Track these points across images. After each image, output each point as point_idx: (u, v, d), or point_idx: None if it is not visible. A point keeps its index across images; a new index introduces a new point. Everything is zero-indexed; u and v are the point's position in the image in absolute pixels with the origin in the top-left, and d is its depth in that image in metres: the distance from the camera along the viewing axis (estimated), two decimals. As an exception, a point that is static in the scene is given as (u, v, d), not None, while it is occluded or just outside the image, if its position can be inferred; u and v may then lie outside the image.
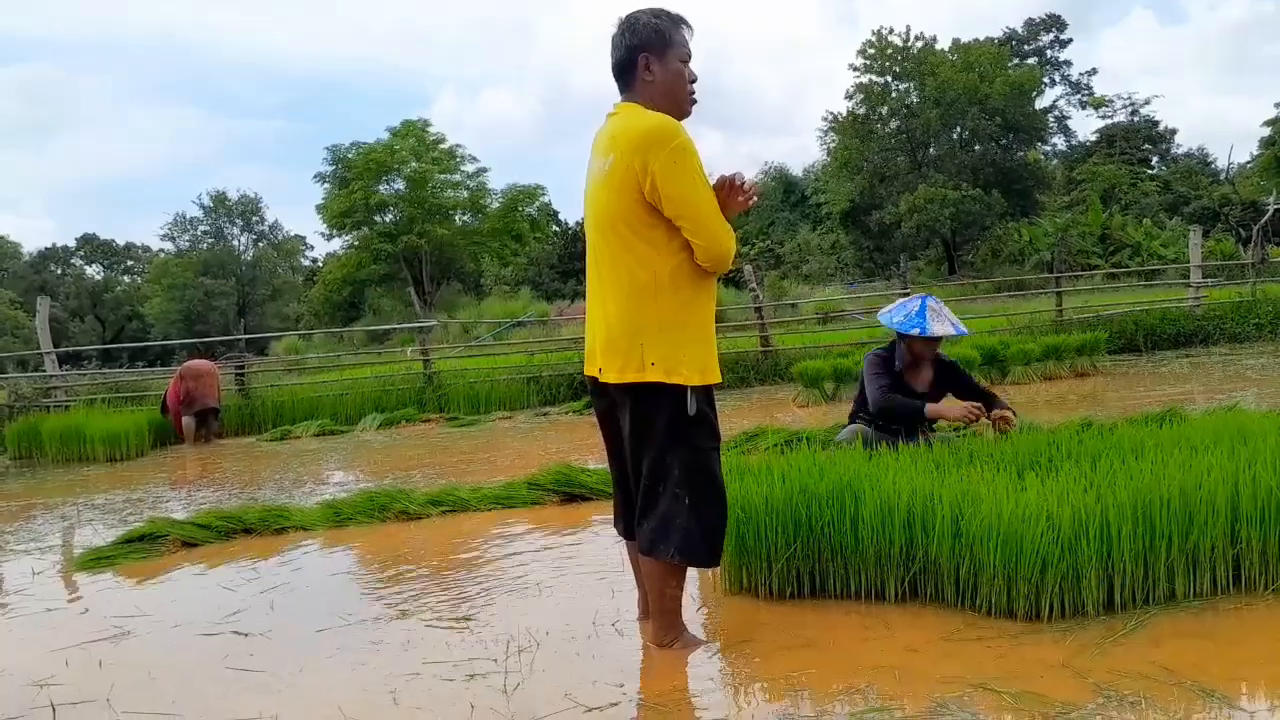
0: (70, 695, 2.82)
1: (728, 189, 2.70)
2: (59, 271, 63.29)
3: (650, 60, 2.69)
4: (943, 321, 4.52)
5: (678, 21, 2.75)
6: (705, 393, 2.71)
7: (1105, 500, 2.90)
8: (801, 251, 41.97)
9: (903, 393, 4.57)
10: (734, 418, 9.07)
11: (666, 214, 2.59)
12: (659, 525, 2.69)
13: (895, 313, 4.64)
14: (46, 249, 64.42)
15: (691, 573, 3.70)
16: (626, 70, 2.73)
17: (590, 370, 2.81)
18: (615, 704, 2.52)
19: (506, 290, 38.32)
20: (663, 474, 2.68)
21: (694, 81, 2.78)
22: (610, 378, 2.68)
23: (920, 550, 3.08)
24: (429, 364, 13.06)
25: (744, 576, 3.34)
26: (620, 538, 3.12)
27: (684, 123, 2.74)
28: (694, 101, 2.78)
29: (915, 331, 4.48)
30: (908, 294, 14.36)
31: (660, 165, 2.53)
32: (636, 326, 2.62)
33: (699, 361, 2.67)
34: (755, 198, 2.79)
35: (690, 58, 2.75)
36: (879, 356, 4.70)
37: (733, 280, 27.82)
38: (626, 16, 2.76)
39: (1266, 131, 38.04)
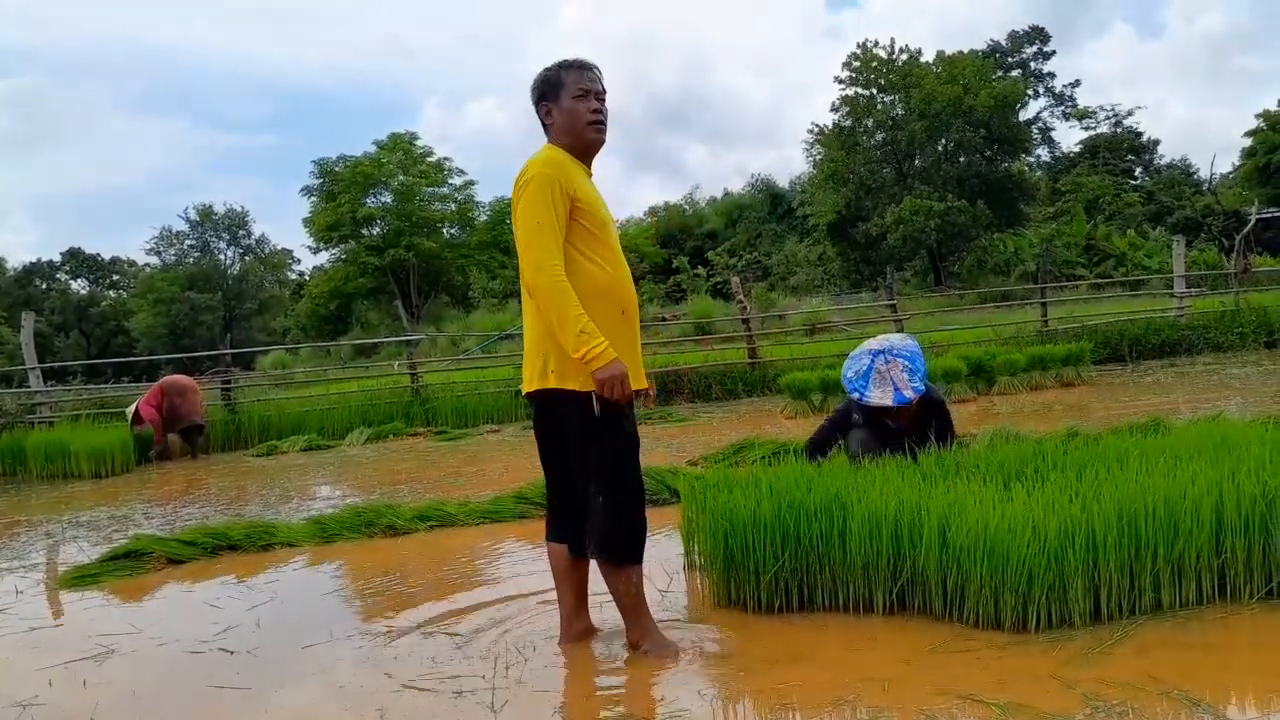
0: (53, 716, 2.79)
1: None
2: (44, 286, 62.78)
3: (549, 106, 2.95)
4: (885, 387, 4.01)
5: (568, 66, 2.96)
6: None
7: (1091, 511, 2.92)
8: (789, 263, 42.02)
9: (883, 432, 4.17)
10: (722, 429, 9.08)
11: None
12: (589, 527, 2.89)
13: (851, 364, 4.20)
14: (31, 264, 63.97)
15: (678, 585, 3.71)
16: (540, 120, 3.00)
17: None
18: None
19: (494, 303, 38.23)
20: (586, 477, 2.87)
21: (599, 106, 2.93)
22: (526, 388, 2.93)
23: (908, 562, 3.08)
24: (417, 377, 13.03)
25: (732, 589, 3.33)
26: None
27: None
28: (596, 125, 2.94)
29: (855, 397, 4.11)
30: (894, 306, 14.54)
31: (514, 196, 2.84)
32: (539, 336, 2.84)
33: None
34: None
35: (589, 90, 2.92)
36: (839, 410, 4.33)
37: (720, 292, 27.89)
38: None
39: (1248, 142, 38.48)
